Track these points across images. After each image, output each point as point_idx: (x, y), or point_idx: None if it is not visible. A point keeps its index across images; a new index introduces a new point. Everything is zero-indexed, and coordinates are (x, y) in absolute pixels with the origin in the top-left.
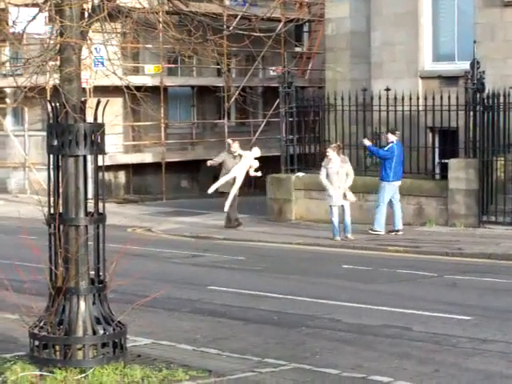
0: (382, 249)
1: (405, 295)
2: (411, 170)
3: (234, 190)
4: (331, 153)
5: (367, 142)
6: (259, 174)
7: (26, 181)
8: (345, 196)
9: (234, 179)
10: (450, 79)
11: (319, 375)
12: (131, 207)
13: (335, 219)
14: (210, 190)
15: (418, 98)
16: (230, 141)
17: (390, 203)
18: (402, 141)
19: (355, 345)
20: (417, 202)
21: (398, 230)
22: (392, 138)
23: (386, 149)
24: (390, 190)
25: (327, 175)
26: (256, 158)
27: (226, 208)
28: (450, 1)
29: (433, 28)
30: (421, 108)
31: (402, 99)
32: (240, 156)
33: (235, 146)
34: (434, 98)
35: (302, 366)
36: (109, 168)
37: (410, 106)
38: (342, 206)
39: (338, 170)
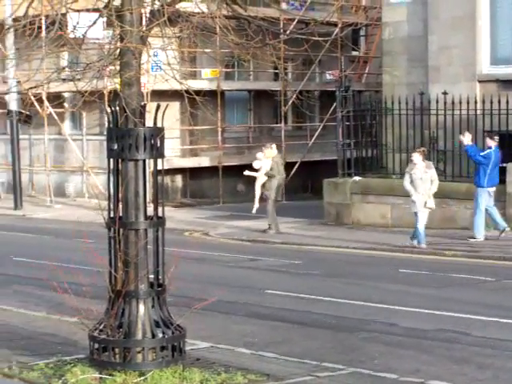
0: (440, 253)
1: (462, 300)
2: (469, 175)
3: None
4: (417, 157)
5: (467, 140)
6: (245, 172)
7: (84, 185)
8: (425, 204)
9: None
10: (508, 83)
11: (377, 380)
12: (188, 211)
13: (421, 225)
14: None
15: (475, 102)
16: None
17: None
18: (459, 145)
19: (413, 349)
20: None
21: (504, 230)
22: (491, 143)
23: (483, 154)
24: (485, 195)
25: (411, 181)
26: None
27: (254, 210)
28: (508, 4)
29: (490, 31)
30: (478, 112)
31: (460, 103)
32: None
33: (260, 155)
34: (491, 102)
35: (360, 371)
36: (166, 172)
37: (468, 109)
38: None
39: (422, 176)
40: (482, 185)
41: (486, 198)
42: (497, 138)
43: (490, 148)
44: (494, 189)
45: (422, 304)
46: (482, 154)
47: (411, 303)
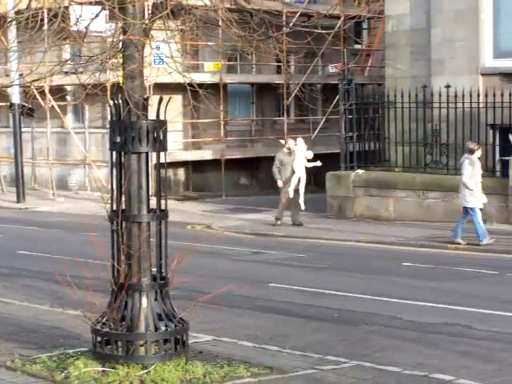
0: (442, 246)
1: (466, 293)
2: None
3: (303, 187)
4: (479, 152)
5: None
6: (318, 163)
7: (87, 178)
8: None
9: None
10: (510, 76)
11: (380, 373)
12: (191, 204)
13: (481, 221)
14: (291, 195)
15: (478, 95)
16: (282, 141)
17: None
18: (462, 138)
19: (417, 343)
20: None
21: None
22: None
23: None
24: None
25: (472, 176)
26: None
27: (303, 206)
28: None
29: (493, 24)
30: (481, 105)
31: (463, 96)
32: (294, 152)
33: (292, 143)
34: (494, 95)
35: (363, 364)
36: (168, 165)
37: (471, 103)
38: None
39: (481, 171)
40: None
41: None
42: None
43: None
44: None
45: (426, 297)
46: None
47: (415, 297)
